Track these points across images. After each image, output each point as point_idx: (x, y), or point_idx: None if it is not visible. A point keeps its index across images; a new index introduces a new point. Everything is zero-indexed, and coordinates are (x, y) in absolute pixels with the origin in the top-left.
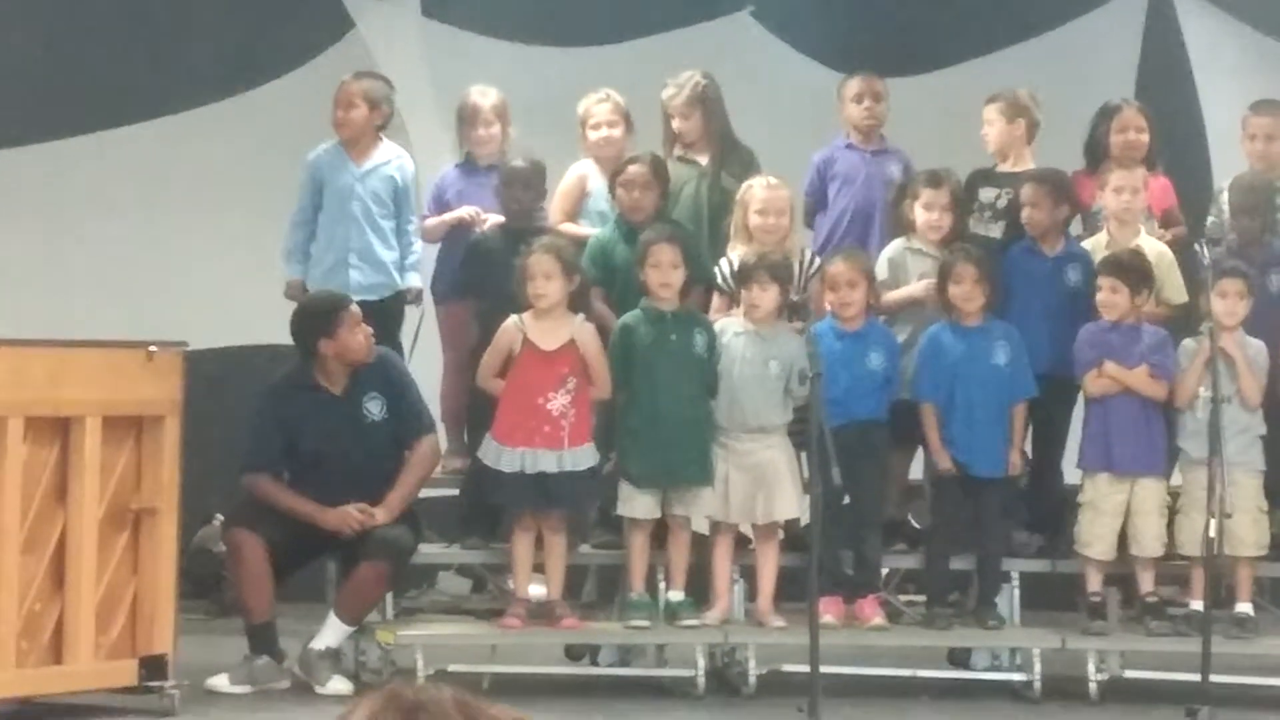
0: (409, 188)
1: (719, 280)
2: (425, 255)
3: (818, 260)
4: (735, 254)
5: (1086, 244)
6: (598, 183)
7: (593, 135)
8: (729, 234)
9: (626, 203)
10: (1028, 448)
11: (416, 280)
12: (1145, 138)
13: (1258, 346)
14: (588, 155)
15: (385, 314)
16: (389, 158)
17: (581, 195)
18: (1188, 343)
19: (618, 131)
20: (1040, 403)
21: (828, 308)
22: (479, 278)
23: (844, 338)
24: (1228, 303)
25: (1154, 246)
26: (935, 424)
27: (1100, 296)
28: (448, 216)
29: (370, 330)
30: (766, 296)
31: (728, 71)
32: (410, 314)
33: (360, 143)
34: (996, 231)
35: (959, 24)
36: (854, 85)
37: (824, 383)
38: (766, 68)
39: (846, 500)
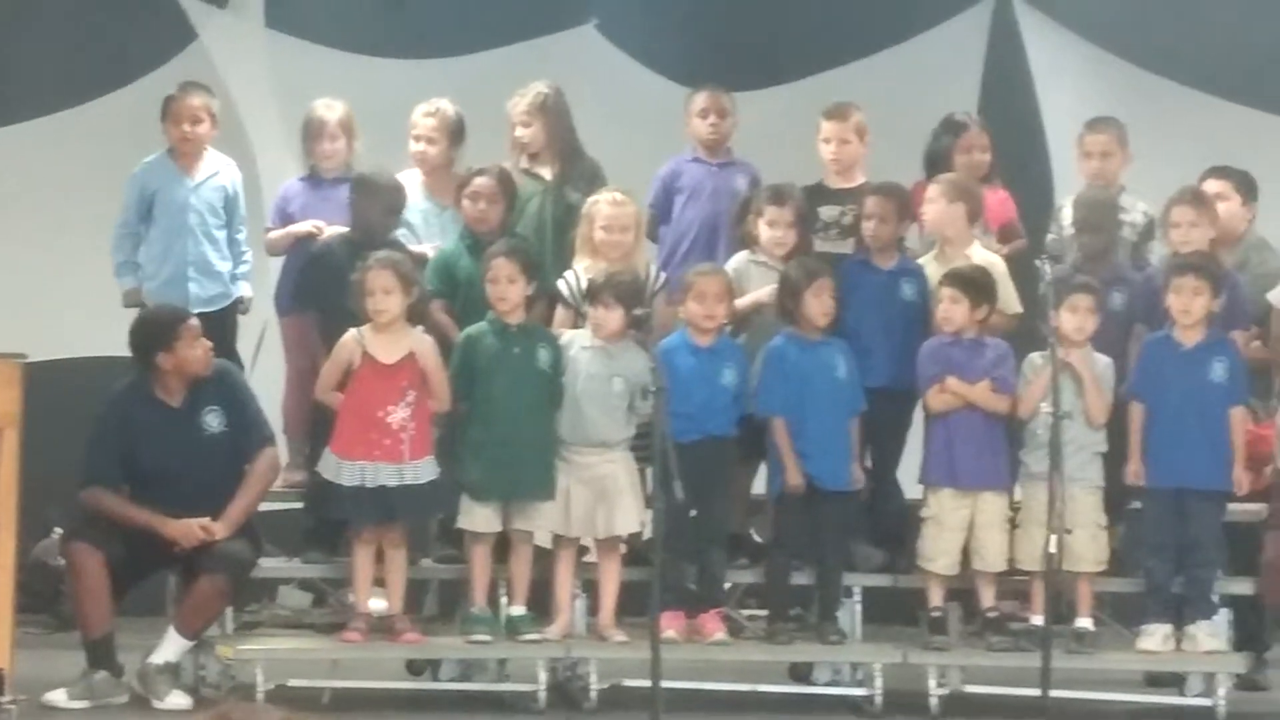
0: (239, 196)
1: (564, 294)
2: (266, 266)
3: (663, 276)
4: (581, 267)
5: (920, 260)
6: (414, 194)
7: (413, 146)
8: (575, 247)
9: (472, 214)
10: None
11: (248, 289)
12: (988, 157)
13: (1105, 363)
14: None
15: (223, 325)
16: (218, 167)
17: None
18: (1034, 357)
19: (434, 149)
20: (877, 416)
21: (681, 316)
22: (320, 290)
23: (699, 353)
24: (1078, 318)
25: (986, 257)
26: (787, 438)
27: (941, 308)
28: (292, 229)
29: (209, 344)
30: (612, 317)
31: (573, 84)
32: (250, 325)
33: (194, 155)
34: (846, 248)
35: (804, 38)
36: (699, 100)
37: (678, 398)
38: (611, 81)
39: (694, 514)
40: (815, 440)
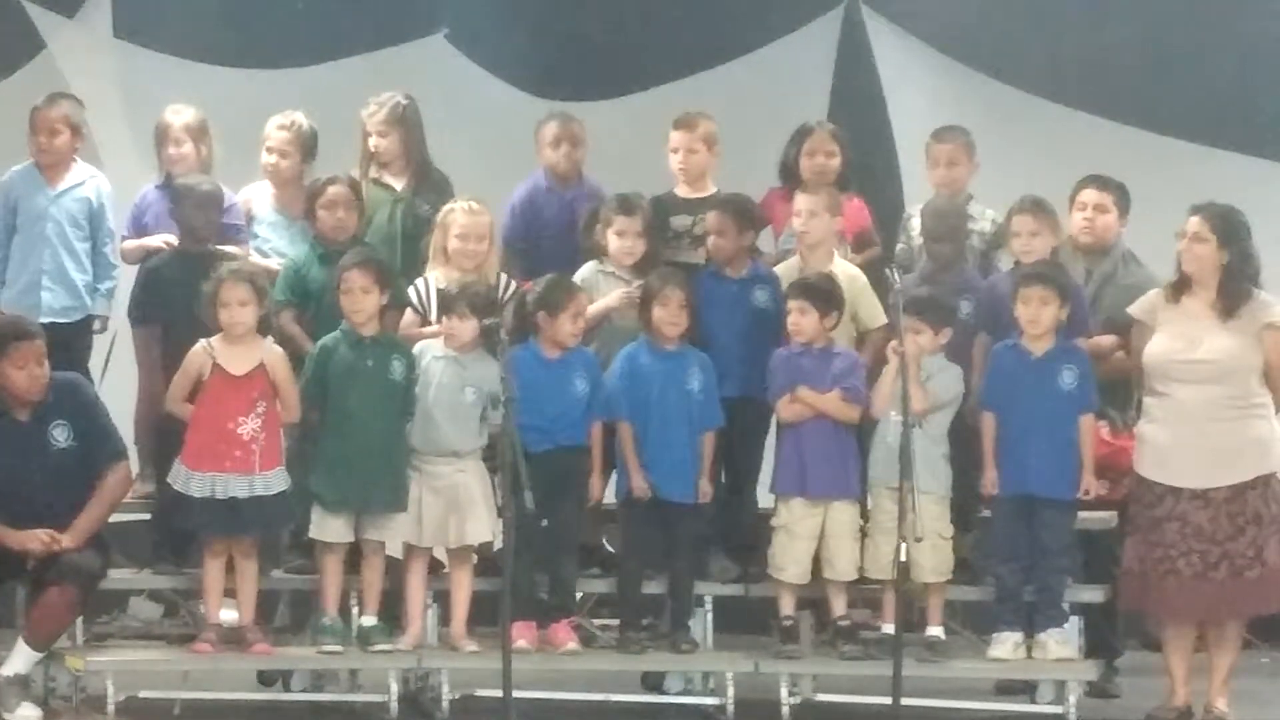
0: (104, 209)
1: (414, 301)
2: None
3: (514, 286)
4: (433, 275)
5: (779, 269)
6: (263, 206)
7: (265, 158)
8: (427, 255)
9: (330, 223)
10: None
11: (105, 308)
12: (835, 162)
13: (955, 372)
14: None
15: (77, 338)
16: (83, 178)
17: (248, 220)
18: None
19: (287, 162)
20: (732, 426)
21: (541, 327)
22: (159, 303)
23: (549, 365)
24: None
25: (846, 270)
26: (633, 445)
27: (789, 319)
28: (145, 241)
29: (45, 371)
30: (465, 327)
31: (423, 95)
32: (102, 335)
33: (57, 165)
34: (698, 257)
35: (654, 48)
36: (551, 130)
37: (530, 410)
38: (461, 91)
39: (545, 523)
40: (659, 450)
